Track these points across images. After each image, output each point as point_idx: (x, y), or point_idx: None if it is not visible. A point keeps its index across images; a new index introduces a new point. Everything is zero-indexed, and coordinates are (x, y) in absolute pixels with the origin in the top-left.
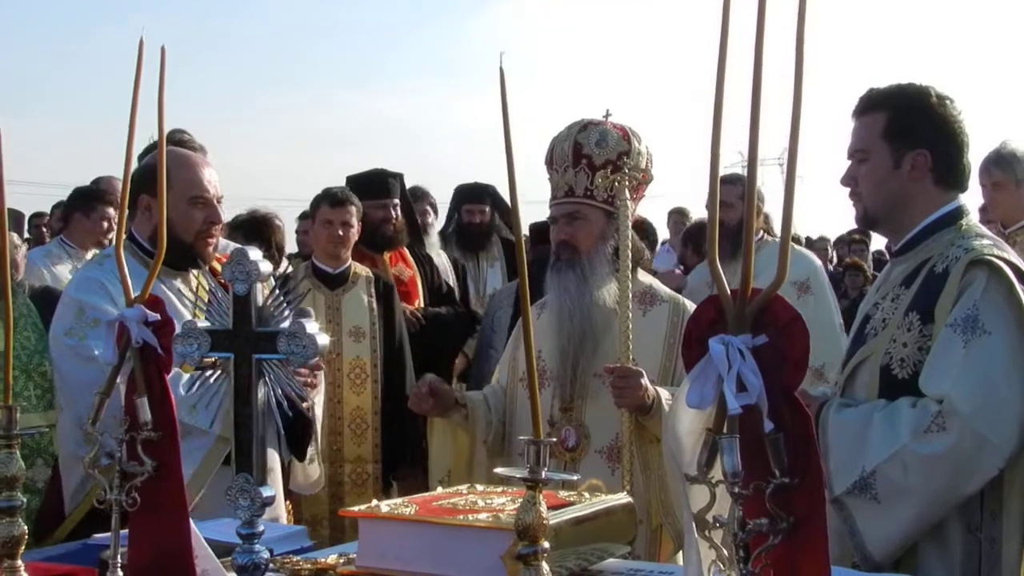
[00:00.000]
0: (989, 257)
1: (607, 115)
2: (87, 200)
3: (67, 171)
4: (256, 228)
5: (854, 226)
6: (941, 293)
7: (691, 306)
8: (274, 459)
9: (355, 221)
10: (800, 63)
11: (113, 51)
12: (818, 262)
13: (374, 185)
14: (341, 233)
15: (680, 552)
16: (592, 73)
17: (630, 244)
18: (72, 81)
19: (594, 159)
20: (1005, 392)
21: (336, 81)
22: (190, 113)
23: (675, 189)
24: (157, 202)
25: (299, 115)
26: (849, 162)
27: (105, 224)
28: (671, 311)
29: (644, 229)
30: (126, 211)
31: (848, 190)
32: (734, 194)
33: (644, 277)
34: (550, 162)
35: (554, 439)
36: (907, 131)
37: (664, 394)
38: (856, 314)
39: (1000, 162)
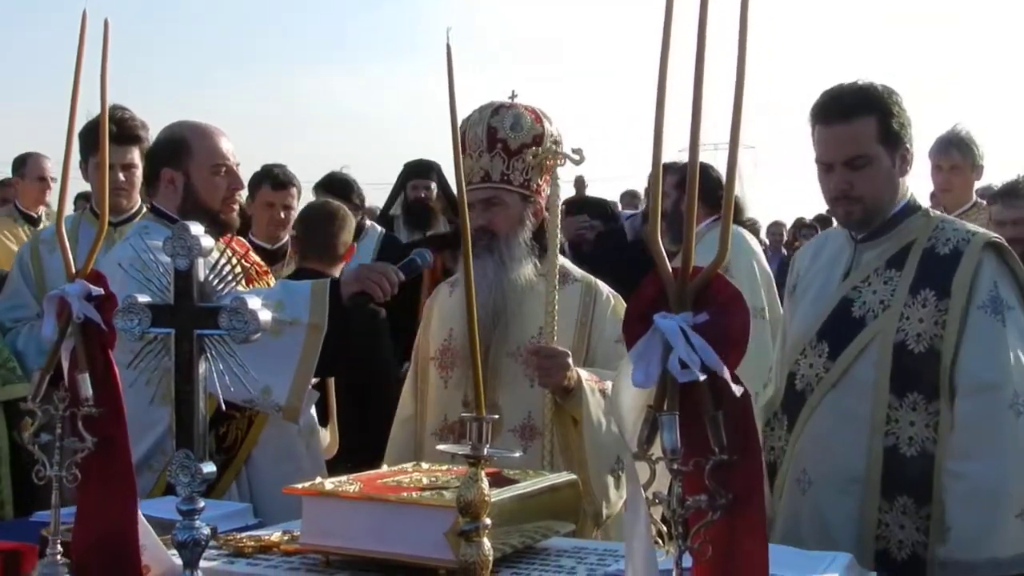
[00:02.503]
0: (997, 240)
1: (514, 96)
2: None
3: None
4: (341, 187)
5: (809, 212)
6: (957, 270)
7: (603, 287)
8: (314, 421)
9: (295, 203)
10: (743, 47)
11: (57, 26)
12: (749, 246)
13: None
14: (283, 215)
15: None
16: (545, 53)
17: (559, 224)
18: (13, 56)
19: (509, 143)
20: None
21: (291, 63)
22: (142, 92)
23: (631, 172)
24: (100, 169)
25: (253, 97)
26: (822, 168)
27: None
28: (583, 291)
29: (608, 209)
30: (68, 186)
31: (835, 194)
32: (668, 183)
33: (558, 258)
34: (463, 147)
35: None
36: (896, 133)
37: (584, 374)
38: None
39: (960, 145)
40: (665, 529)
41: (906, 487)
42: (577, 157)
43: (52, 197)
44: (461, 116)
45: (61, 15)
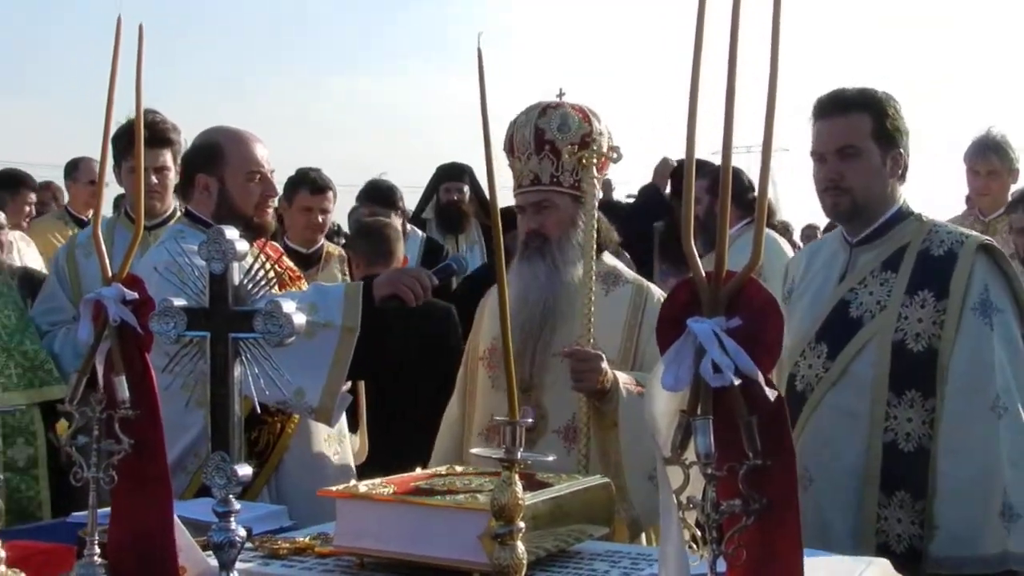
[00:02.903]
0: (989, 243)
1: (561, 95)
2: (13, 184)
3: (40, 151)
4: (384, 194)
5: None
6: (954, 271)
7: (655, 290)
8: (343, 427)
9: (332, 207)
10: (775, 51)
11: (94, 30)
12: (781, 249)
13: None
14: (320, 220)
15: (635, 536)
16: (572, 54)
17: (595, 225)
18: (47, 60)
19: (557, 144)
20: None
21: (322, 65)
22: (172, 96)
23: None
24: (130, 172)
25: (285, 99)
26: (815, 159)
27: (27, 208)
28: (634, 293)
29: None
30: (103, 189)
31: (826, 184)
32: (699, 188)
33: (609, 259)
34: (510, 150)
35: (530, 419)
36: (890, 133)
37: (623, 378)
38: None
39: (998, 150)
40: (699, 534)
41: (903, 482)
42: (614, 155)
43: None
44: (504, 118)
45: (94, 19)
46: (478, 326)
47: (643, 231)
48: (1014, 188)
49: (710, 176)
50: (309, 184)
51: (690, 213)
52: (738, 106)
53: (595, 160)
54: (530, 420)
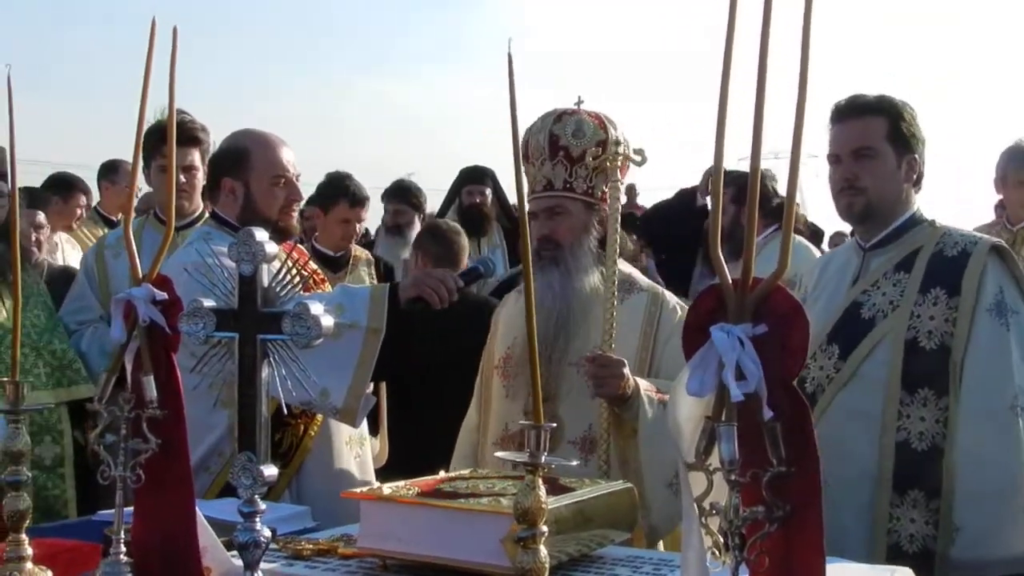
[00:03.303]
0: (1002, 245)
1: (579, 103)
2: (65, 187)
3: (75, 151)
4: (408, 194)
5: None
6: (966, 270)
7: (671, 297)
8: (364, 430)
9: (365, 215)
10: (805, 58)
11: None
12: (813, 256)
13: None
14: (357, 230)
15: (652, 544)
16: (600, 61)
17: (618, 230)
18: (75, 60)
19: (571, 150)
20: None
21: (346, 66)
22: (196, 98)
23: (680, 181)
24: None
25: (309, 100)
26: (831, 161)
27: (78, 211)
28: (649, 301)
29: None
30: (136, 190)
31: (841, 185)
32: (727, 196)
33: (624, 266)
34: (525, 155)
35: (554, 424)
36: (905, 137)
37: (643, 384)
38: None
39: None
40: (722, 540)
41: (917, 481)
42: (639, 158)
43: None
44: (522, 122)
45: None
46: (493, 335)
47: (669, 231)
48: None
49: (734, 185)
50: (349, 197)
51: (717, 220)
52: (767, 111)
53: (617, 163)
54: (554, 424)
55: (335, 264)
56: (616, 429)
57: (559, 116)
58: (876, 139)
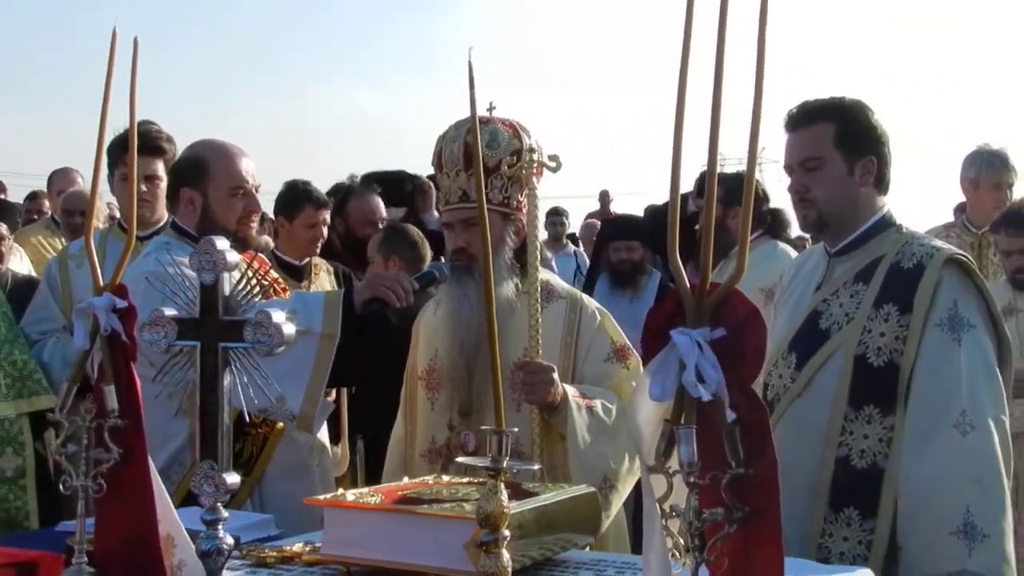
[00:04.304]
0: (961, 257)
1: (491, 109)
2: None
3: (40, 161)
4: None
5: None
6: (919, 285)
7: (589, 301)
8: (325, 438)
9: (329, 219)
10: (761, 62)
11: (88, 41)
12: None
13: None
14: (325, 233)
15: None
16: (566, 66)
17: (537, 237)
18: (48, 72)
19: (487, 161)
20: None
21: (310, 74)
22: (159, 105)
23: (654, 185)
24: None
25: (275, 109)
26: (786, 172)
27: None
28: (568, 308)
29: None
30: (96, 201)
31: (794, 197)
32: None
33: (541, 273)
34: (438, 165)
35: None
36: (856, 140)
37: (571, 391)
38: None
39: (1007, 163)
40: (682, 542)
41: (852, 499)
42: (553, 164)
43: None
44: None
45: (89, 31)
46: (415, 345)
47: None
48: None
49: (723, 187)
50: (313, 201)
51: (675, 224)
52: (728, 117)
53: (532, 171)
54: (515, 430)
55: (297, 273)
56: (545, 435)
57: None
58: (822, 147)
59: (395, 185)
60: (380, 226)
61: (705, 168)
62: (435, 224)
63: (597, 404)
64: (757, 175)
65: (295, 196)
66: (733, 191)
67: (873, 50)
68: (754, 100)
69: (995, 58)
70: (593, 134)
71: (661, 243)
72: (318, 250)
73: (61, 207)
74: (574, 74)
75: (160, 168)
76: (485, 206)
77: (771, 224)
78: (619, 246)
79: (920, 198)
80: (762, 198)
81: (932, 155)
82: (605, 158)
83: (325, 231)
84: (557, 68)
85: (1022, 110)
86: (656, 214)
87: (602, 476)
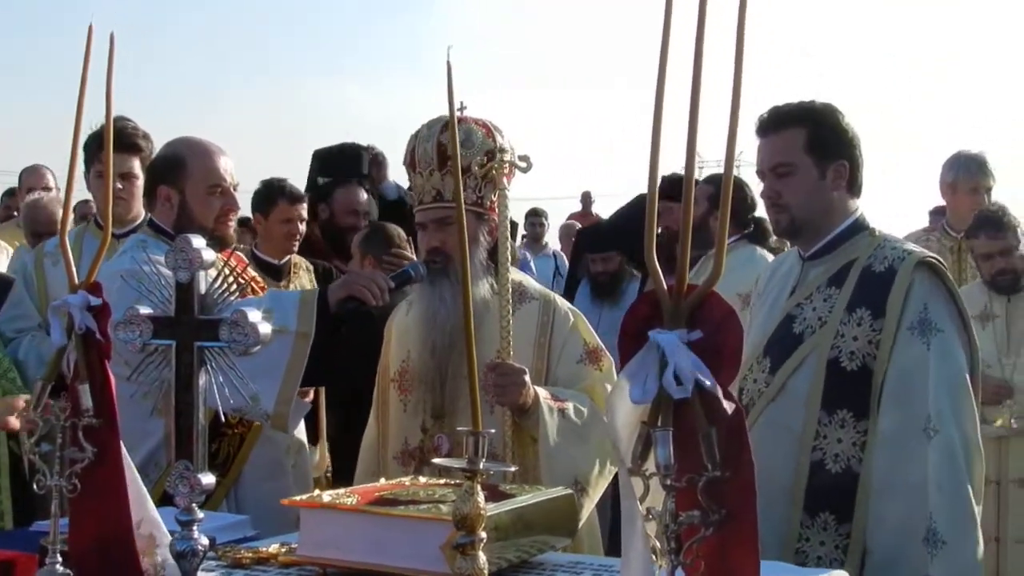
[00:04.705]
0: (932, 260)
1: (462, 108)
2: None
3: (17, 157)
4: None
5: None
6: (891, 289)
7: (562, 303)
8: (303, 439)
9: (305, 214)
10: (739, 65)
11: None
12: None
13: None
14: (300, 228)
15: None
16: (553, 66)
17: (508, 237)
18: (17, 67)
19: (460, 160)
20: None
21: (304, 71)
22: (151, 103)
23: (638, 187)
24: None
25: (268, 106)
26: (761, 177)
27: None
28: (540, 309)
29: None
30: (71, 199)
31: (767, 203)
32: (704, 193)
33: (514, 273)
34: (411, 164)
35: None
36: (827, 144)
37: (542, 393)
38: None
39: (985, 168)
40: (658, 544)
41: (828, 503)
42: (524, 164)
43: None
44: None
45: (68, 24)
46: (387, 345)
47: (633, 234)
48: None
49: (713, 186)
50: (287, 195)
51: (652, 226)
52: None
53: (503, 171)
54: (493, 431)
55: (276, 272)
56: (515, 438)
57: (446, 124)
58: (793, 153)
59: (348, 158)
60: (362, 218)
61: (672, 171)
62: (394, 193)
63: (569, 406)
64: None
65: (269, 192)
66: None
67: (873, 31)
68: (732, 104)
69: (996, 39)
70: (582, 134)
71: (633, 248)
72: (295, 247)
73: (23, 214)
74: (568, 73)
75: (136, 166)
76: (463, 207)
77: (754, 231)
78: (595, 258)
79: (918, 189)
80: (750, 205)
81: (932, 154)
82: (594, 158)
83: (302, 227)
84: (549, 67)
85: (1022, 91)
86: (621, 221)
87: (573, 479)
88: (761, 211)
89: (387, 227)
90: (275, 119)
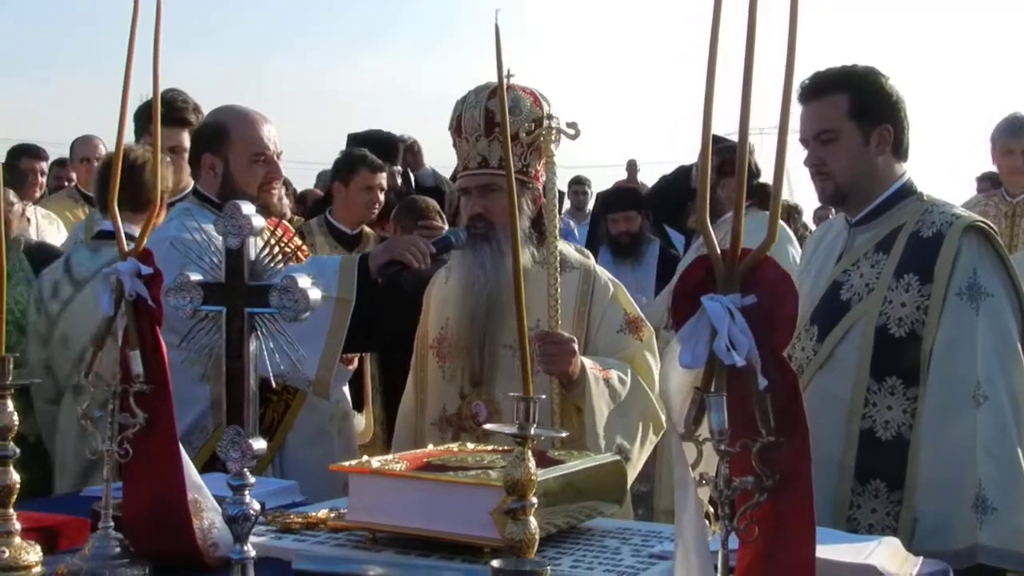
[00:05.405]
0: (981, 224)
1: (510, 76)
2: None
3: (58, 130)
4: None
5: None
6: (939, 254)
7: (602, 272)
8: (347, 406)
9: (385, 184)
10: (794, 29)
11: (105, 9)
12: (787, 234)
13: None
14: (381, 197)
15: None
16: (594, 35)
17: (556, 205)
18: (63, 40)
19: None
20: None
21: (343, 43)
22: (196, 74)
23: (682, 155)
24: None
25: (299, 78)
26: (803, 146)
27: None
28: (581, 278)
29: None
30: (119, 169)
31: (811, 170)
32: (712, 163)
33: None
34: (457, 130)
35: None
36: (871, 109)
37: (588, 363)
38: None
39: None
40: (712, 510)
41: (879, 471)
42: (572, 131)
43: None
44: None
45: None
46: (426, 313)
47: (668, 204)
48: None
49: (717, 156)
50: (368, 164)
51: (705, 191)
52: (754, 86)
53: (551, 139)
54: (543, 396)
55: (350, 242)
56: (560, 407)
57: (494, 91)
58: (836, 120)
59: (384, 145)
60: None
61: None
62: (431, 181)
63: (613, 375)
64: (757, 144)
65: (351, 160)
66: (727, 162)
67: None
68: (786, 71)
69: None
70: (623, 100)
71: (663, 211)
72: (374, 214)
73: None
74: (614, 39)
75: (185, 139)
76: (513, 174)
77: (759, 198)
78: (617, 217)
79: (911, 164)
80: (754, 172)
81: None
82: (631, 126)
83: (382, 196)
84: (593, 32)
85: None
86: (663, 184)
87: (616, 448)
88: (766, 178)
89: (419, 199)
90: (315, 91)
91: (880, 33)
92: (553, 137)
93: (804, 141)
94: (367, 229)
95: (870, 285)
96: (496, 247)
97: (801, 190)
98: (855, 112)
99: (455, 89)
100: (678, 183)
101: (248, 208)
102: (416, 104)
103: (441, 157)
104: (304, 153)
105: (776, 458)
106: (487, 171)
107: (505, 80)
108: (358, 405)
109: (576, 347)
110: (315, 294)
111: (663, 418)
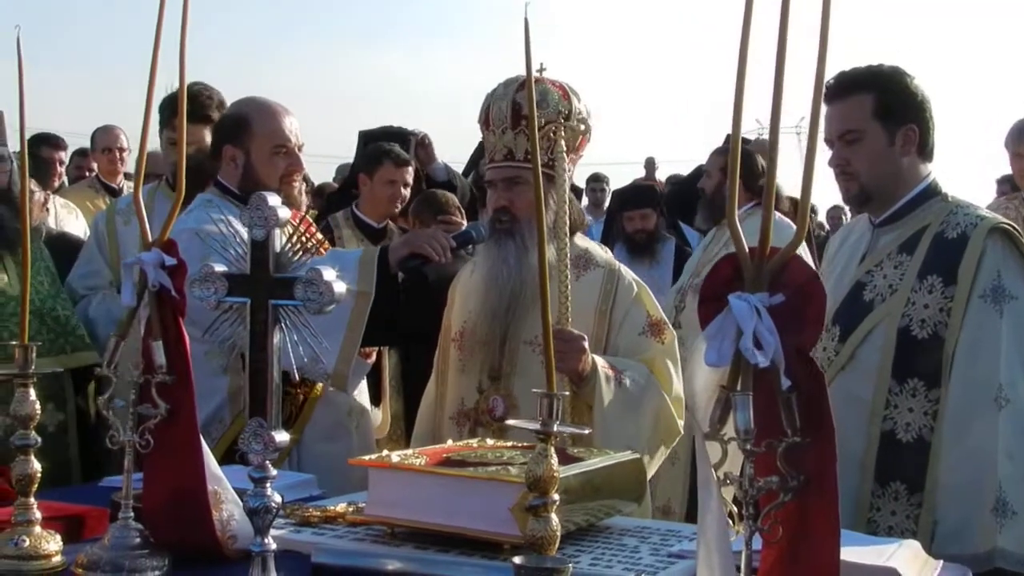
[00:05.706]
0: (1006, 226)
1: (542, 69)
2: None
3: (82, 120)
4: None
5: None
6: (963, 256)
7: (626, 272)
8: (365, 400)
9: (410, 178)
10: (825, 31)
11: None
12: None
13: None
14: (404, 192)
15: None
16: (615, 32)
17: (568, 204)
18: (85, 29)
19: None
20: None
21: (346, 38)
22: (197, 68)
23: (702, 154)
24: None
25: (308, 72)
26: (828, 146)
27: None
28: (605, 278)
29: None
30: (144, 157)
31: (835, 171)
32: (714, 165)
33: (581, 241)
34: (485, 122)
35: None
36: (896, 109)
37: (600, 362)
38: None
39: None
40: (736, 509)
41: (899, 473)
42: (583, 127)
43: (130, 168)
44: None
45: None
46: (450, 306)
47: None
48: None
49: (723, 158)
50: (393, 158)
51: (734, 190)
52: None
53: (578, 134)
54: (566, 393)
55: (376, 236)
56: (572, 405)
57: (522, 83)
58: (861, 120)
59: (395, 141)
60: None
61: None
62: (443, 175)
63: (626, 377)
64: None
65: (376, 153)
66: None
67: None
68: (816, 72)
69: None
70: (640, 99)
71: (677, 210)
72: (397, 209)
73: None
74: (635, 36)
75: (206, 136)
76: (540, 168)
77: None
78: (632, 215)
79: (937, 164)
80: (759, 173)
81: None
82: (650, 125)
83: (406, 192)
84: (614, 30)
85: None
86: (678, 184)
87: (627, 448)
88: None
89: (438, 194)
90: (318, 86)
91: (906, 33)
92: (580, 134)
93: (829, 141)
94: (390, 223)
95: (893, 286)
96: (520, 242)
97: (815, 189)
98: (880, 112)
99: (461, 85)
100: (693, 183)
101: (274, 200)
102: (425, 100)
103: (450, 153)
104: (316, 147)
105: (801, 458)
106: (513, 164)
107: (535, 74)
108: (375, 399)
109: (587, 344)
110: (340, 287)
111: (679, 424)
